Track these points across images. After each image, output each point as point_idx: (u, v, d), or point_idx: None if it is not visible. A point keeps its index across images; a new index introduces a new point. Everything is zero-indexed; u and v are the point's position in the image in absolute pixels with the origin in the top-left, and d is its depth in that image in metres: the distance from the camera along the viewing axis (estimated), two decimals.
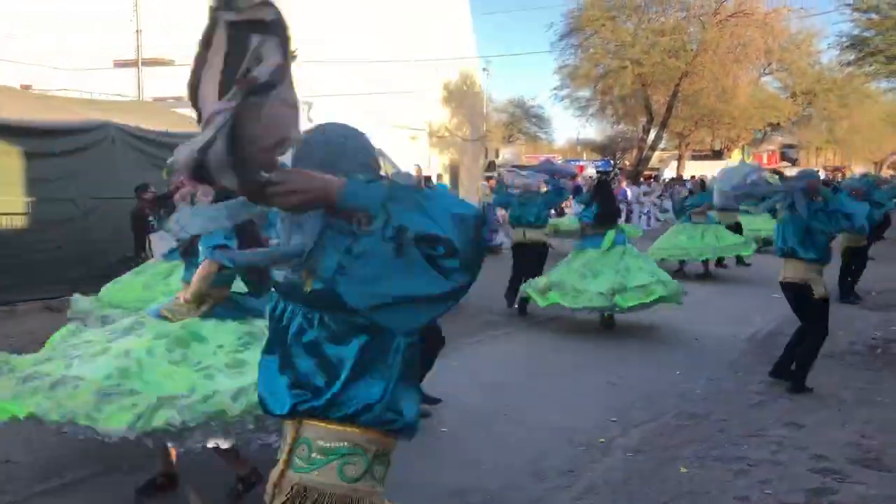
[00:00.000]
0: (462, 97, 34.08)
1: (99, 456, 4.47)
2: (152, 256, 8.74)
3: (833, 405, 5.87)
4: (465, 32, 34.69)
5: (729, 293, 11.15)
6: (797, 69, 35.36)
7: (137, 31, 21.37)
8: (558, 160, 41.91)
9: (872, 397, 6.10)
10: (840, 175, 34.82)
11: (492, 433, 5.18)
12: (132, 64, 22.08)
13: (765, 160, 48.81)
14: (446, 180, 22.07)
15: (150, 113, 12.61)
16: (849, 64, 31.65)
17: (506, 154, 44.72)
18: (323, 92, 24.07)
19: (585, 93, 33.16)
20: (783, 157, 54.59)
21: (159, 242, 8.79)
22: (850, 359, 7.38)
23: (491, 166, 35.81)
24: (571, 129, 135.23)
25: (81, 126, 9.99)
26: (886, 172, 42.41)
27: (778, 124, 43.65)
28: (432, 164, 30.25)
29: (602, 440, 5.06)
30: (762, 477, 4.46)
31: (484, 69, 38.92)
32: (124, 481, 4.21)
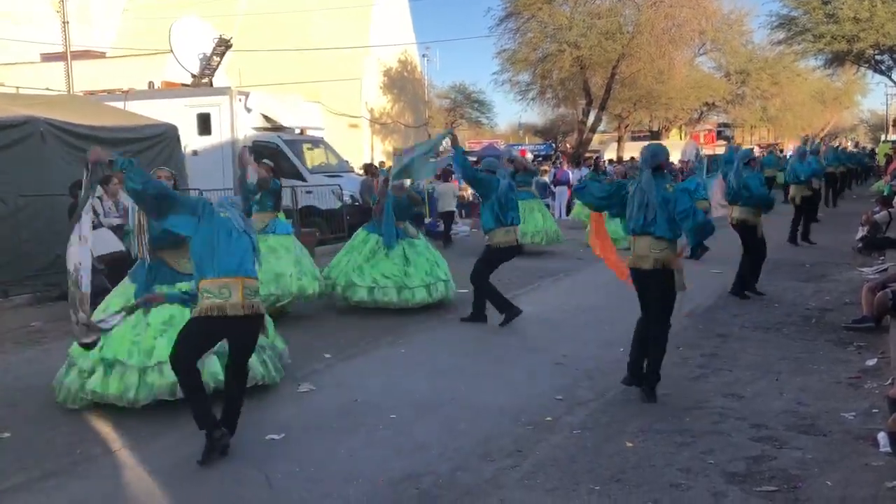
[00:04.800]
0: (403, 84, 33.96)
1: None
2: (92, 255, 8.52)
3: (770, 375, 6.05)
4: (403, 19, 34.52)
5: None
6: (730, 49, 36.13)
7: (64, 22, 20.65)
8: (501, 145, 42.13)
9: (807, 366, 6.31)
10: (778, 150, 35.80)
11: (440, 418, 5.20)
12: (60, 57, 21.37)
13: (702, 139, 49.85)
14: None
15: (81, 107, 12.24)
16: (779, 43, 32.56)
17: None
18: (260, 81, 23.72)
19: (525, 77, 33.32)
20: (719, 136, 55.79)
21: (98, 240, 8.57)
22: (787, 330, 7.62)
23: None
24: (513, 113, 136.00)
25: (8, 121, 9.62)
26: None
27: (713, 104, 44.61)
28: (375, 150, 30.11)
29: (549, 419, 5.13)
30: (704, 448, 4.58)
31: (424, 55, 38.84)
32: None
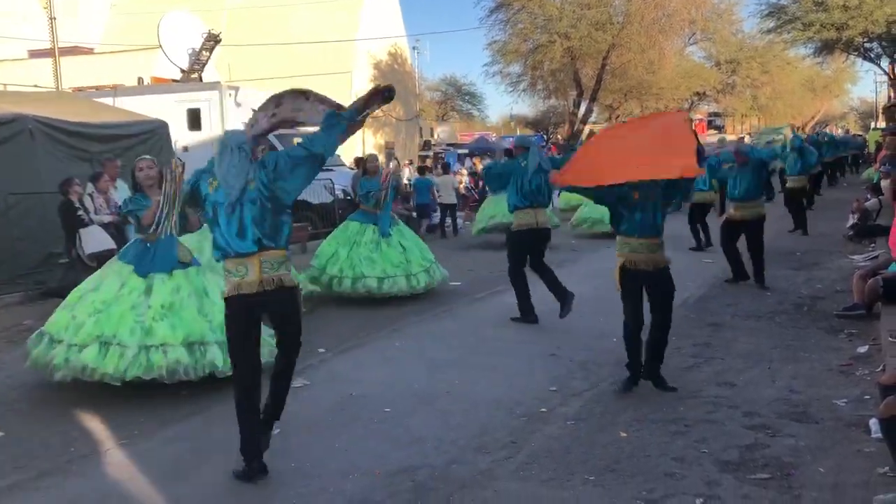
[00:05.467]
0: (393, 76, 33.85)
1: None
2: (83, 252, 8.50)
3: (763, 364, 6.09)
4: (393, 11, 34.42)
5: None
6: (720, 38, 36.16)
7: (52, 18, 20.51)
8: (492, 137, 42.10)
9: (799, 354, 6.35)
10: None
11: (435, 411, 5.21)
12: (48, 53, 21.23)
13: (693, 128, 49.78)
14: (382, 161, 21.88)
15: (70, 104, 12.18)
16: (769, 32, 32.61)
17: (440, 132, 44.67)
18: (250, 75, 23.64)
19: (516, 68, 33.29)
20: (710, 125, 55.91)
21: (89, 238, 8.56)
22: (779, 318, 7.65)
23: (426, 145, 35.74)
24: (504, 105, 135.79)
25: None
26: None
27: (704, 93, 44.66)
28: (367, 144, 30.03)
29: (543, 410, 5.15)
30: (698, 436, 4.60)
31: (414, 48, 38.74)
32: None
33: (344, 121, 4.05)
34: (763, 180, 9.34)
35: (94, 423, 5.08)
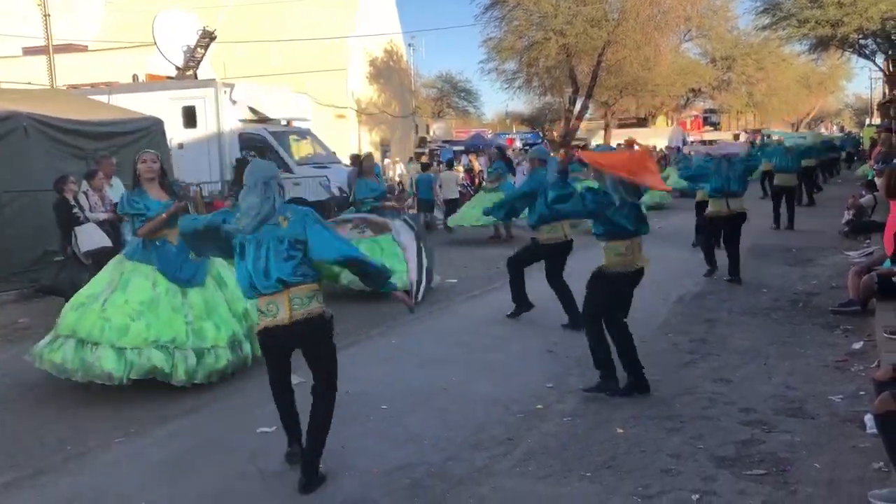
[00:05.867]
0: (389, 73, 33.82)
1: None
2: (79, 250, 8.47)
3: (759, 360, 6.10)
4: (389, 8, 34.35)
5: (655, 259, 11.40)
6: (716, 35, 36.24)
7: (46, 16, 20.43)
8: (488, 134, 42.08)
9: (795, 350, 6.36)
10: (758, 137, 35.97)
11: (432, 408, 5.22)
12: (43, 51, 21.14)
13: (688, 125, 49.99)
14: (378, 158, 21.89)
15: (65, 101, 12.14)
16: (764, 28, 32.65)
17: (436, 129, 44.65)
18: (245, 73, 23.58)
19: (512, 65, 33.30)
20: (706, 122, 55.93)
21: (85, 236, 8.52)
22: (775, 314, 7.67)
23: (422, 142, 35.71)
24: (500, 102, 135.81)
25: None
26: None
27: (699, 90, 44.72)
28: (362, 141, 30.00)
29: (539, 407, 5.16)
30: (694, 433, 4.61)
31: (410, 44, 38.70)
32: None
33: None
34: (745, 176, 9.36)
35: (90, 421, 5.08)
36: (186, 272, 5.75)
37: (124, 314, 5.47)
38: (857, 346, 6.37)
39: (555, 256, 7.53)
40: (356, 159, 17.28)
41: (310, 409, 4.07)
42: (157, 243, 5.75)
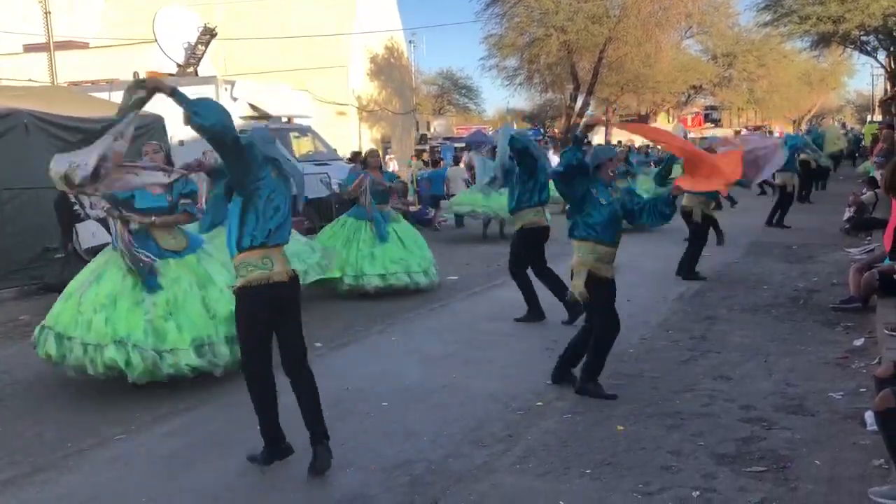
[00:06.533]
0: (390, 70, 33.80)
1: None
2: (80, 247, 8.48)
3: (759, 357, 6.09)
4: (389, 4, 34.32)
5: (658, 256, 11.41)
6: (717, 32, 36.20)
7: (46, 13, 20.42)
8: (488, 131, 42.10)
9: (795, 347, 6.35)
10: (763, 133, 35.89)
11: (431, 405, 5.21)
12: (43, 48, 21.14)
13: (689, 122, 49.96)
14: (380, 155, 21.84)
15: (65, 98, 12.12)
16: (765, 25, 32.61)
17: (437, 126, 44.61)
18: (246, 70, 23.57)
19: (513, 62, 33.27)
20: (706, 119, 55.89)
21: (85, 232, 8.53)
22: (775, 311, 7.66)
23: (423, 139, 35.68)
24: (500, 99, 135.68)
25: None
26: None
27: (700, 87, 44.67)
28: (363, 138, 30.00)
29: (539, 404, 5.15)
30: (694, 430, 4.61)
31: (410, 41, 38.66)
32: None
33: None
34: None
35: (89, 418, 5.07)
36: (151, 280, 5.51)
37: (91, 308, 5.40)
38: (858, 342, 6.36)
39: (535, 242, 7.52)
40: (357, 156, 17.34)
41: (297, 394, 4.15)
42: (143, 237, 5.59)
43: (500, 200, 12.11)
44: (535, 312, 7.57)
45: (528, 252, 7.57)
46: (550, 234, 7.67)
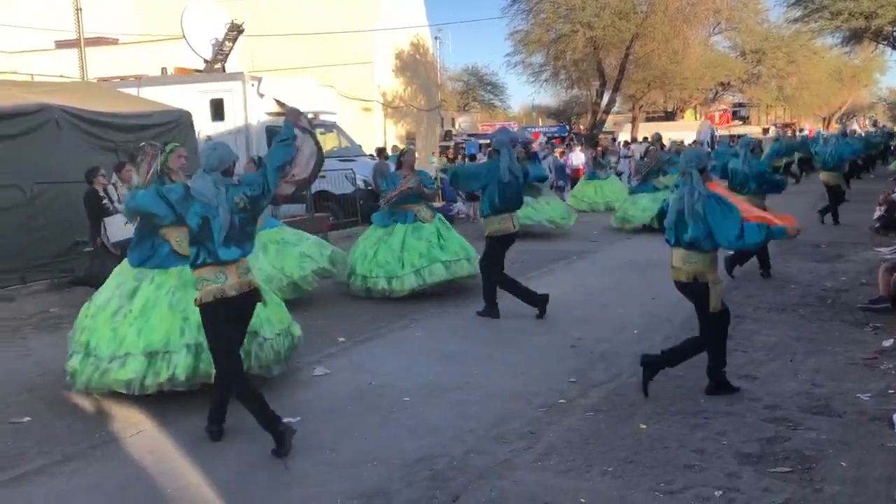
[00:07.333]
0: (415, 67, 33.81)
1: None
2: (108, 241, 8.59)
3: (785, 356, 6.03)
4: (415, 1, 34.32)
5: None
6: (746, 28, 35.75)
7: (77, 9, 20.68)
8: (514, 127, 42.00)
9: (822, 347, 6.28)
10: (790, 130, 35.50)
11: (454, 401, 5.22)
12: (74, 44, 21.42)
13: (717, 119, 49.48)
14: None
15: (95, 94, 12.28)
16: (795, 21, 32.13)
17: (462, 122, 44.59)
18: (272, 66, 23.71)
19: (538, 58, 33.13)
20: (734, 116, 55.29)
21: (114, 227, 8.63)
22: (802, 311, 7.58)
23: (447, 135, 35.68)
24: (526, 95, 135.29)
25: (24, 109, 9.67)
26: (834, 128, 43.23)
27: (728, 83, 44.20)
28: (388, 134, 30.06)
29: (562, 401, 5.14)
30: (719, 429, 4.58)
31: (436, 38, 38.66)
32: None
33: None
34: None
35: (119, 409, 5.14)
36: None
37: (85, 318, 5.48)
38: (887, 343, 6.28)
39: (501, 247, 7.57)
40: (381, 152, 17.39)
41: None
42: (160, 242, 5.46)
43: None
44: (538, 302, 7.58)
45: (496, 255, 7.62)
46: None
